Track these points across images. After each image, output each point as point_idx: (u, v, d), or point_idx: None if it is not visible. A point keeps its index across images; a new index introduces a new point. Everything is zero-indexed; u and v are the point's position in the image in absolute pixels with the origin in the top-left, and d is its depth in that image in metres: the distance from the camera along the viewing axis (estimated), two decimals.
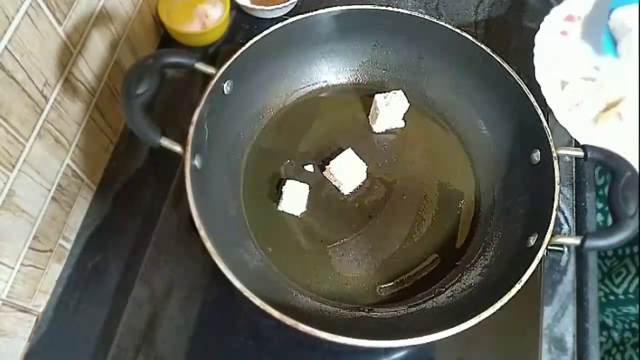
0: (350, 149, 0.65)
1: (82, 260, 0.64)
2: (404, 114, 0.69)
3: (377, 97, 0.67)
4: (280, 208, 0.63)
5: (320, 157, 0.67)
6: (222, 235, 0.53)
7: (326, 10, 0.65)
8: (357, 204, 0.64)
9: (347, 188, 0.65)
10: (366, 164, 0.64)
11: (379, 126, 0.69)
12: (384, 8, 0.66)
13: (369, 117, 0.70)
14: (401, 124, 0.70)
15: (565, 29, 0.73)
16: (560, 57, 0.71)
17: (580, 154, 0.56)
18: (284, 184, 0.63)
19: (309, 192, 0.63)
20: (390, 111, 0.67)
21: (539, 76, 0.68)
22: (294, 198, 0.62)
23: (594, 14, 0.72)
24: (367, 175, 0.65)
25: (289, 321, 0.47)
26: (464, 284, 0.59)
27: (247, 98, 0.67)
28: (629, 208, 0.50)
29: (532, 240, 0.53)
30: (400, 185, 0.66)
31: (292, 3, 0.79)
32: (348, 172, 0.64)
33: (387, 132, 0.70)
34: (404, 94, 0.67)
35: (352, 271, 0.60)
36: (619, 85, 0.65)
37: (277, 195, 0.63)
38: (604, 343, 0.77)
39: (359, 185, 0.65)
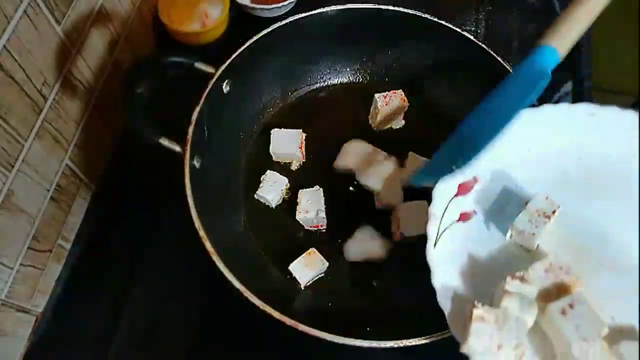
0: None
1: (82, 260, 0.64)
2: (404, 114, 0.69)
3: (377, 97, 0.66)
4: (256, 196, 0.63)
5: (320, 156, 0.67)
6: (222, 235, 0.53)
7: (326, 9, 0.65)
8: (360, 201, 0.64)
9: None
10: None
11: (379, 126, 0.69)
12: (384, 7, 0.66)
13: (369, 117, 0.70)
14: (401, 124, 0.70)
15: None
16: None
17: None
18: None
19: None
20: (390, 111, 0.67)
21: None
22: (272, 188, 0.62)
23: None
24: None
25: (289, 322, 0.47)
26: None
27: (247, 97, 0.67)
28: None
29: None
30: None
31: (292, 2, 0.79)
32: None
33: (387, 132, 0.70)
34: (404, 94, 0.67)
35: (352, 271, 0.60)
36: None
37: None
38: None
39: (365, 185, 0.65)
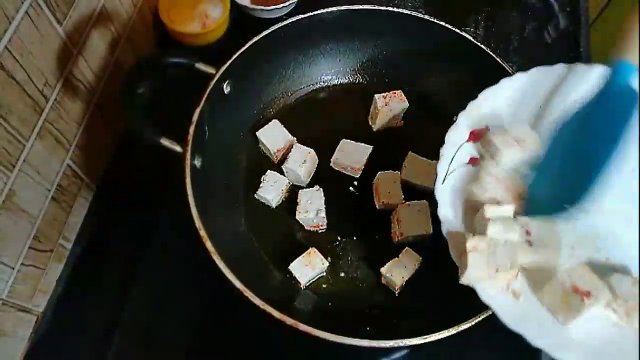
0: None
1: (82, 260, 0.64)
2: (404, 114, 0.69)
3: (377, 97, 0.67)
4: (256, 196, 0.63)
5: (320, 157, 0.67)
6: (222, 235, 0.53)
7: (326, 10, 0.65)
8: (360, 201, 0.65)
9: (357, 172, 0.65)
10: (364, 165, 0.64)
11: (378, 126, 0.69)
12: (383, 8, 0.66)
13: (369, 117, 0.70)
14: (401, 124, 0.70)
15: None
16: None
17: None
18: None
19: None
20: (390, 111, 0.67)
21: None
22: (272, 188, 0.63)
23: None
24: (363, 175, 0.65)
25: (289, 321, 0.47)
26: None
27: (247, 98, 0.67)
28: None
29: None
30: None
31: (292, 3, 0.79)
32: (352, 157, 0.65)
33: (386, 132, 0.70)
34: (404, 94, 0.67)
35: (352, 270, 0.61)
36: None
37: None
38: None
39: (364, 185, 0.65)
